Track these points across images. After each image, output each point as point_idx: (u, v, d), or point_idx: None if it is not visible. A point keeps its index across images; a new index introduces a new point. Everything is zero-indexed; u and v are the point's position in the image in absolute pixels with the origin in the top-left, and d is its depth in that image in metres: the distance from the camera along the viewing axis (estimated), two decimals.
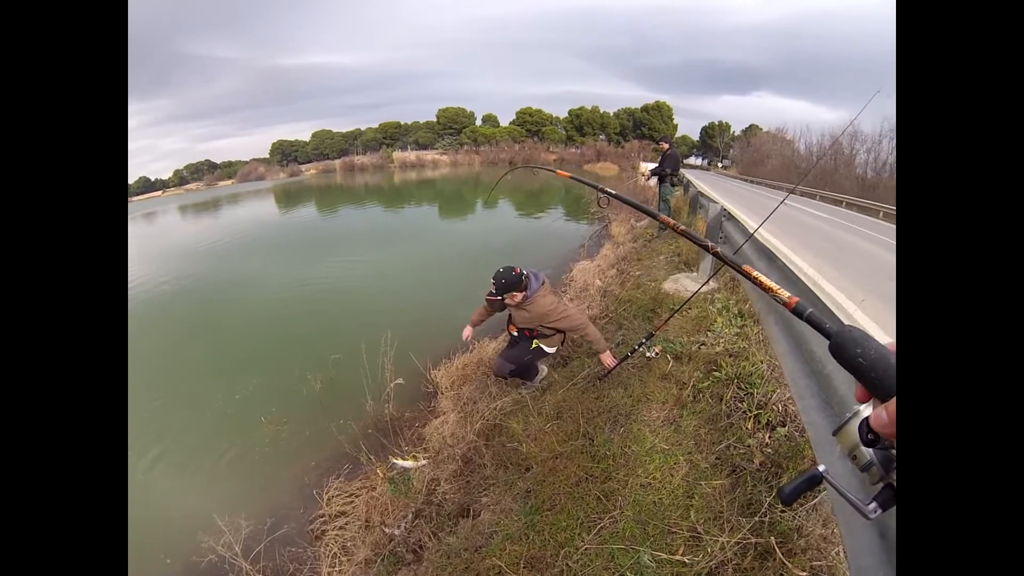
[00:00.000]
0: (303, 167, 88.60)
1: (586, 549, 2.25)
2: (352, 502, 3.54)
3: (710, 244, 1.43)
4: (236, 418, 4.95)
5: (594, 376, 3.75)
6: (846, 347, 0.71)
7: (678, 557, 2.10)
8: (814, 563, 1.89)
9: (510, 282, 3.50)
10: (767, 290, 1.09)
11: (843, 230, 11.59)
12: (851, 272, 6.34)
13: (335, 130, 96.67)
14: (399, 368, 4.68)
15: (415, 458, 3.73)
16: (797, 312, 0.95)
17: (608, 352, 3.63)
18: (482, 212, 22.49)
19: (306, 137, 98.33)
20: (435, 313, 7.48)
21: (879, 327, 4.16)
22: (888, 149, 29.15)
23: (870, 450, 0.69)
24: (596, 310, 5.49)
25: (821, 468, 0.82)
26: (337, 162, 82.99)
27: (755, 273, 1.14)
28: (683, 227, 1.61)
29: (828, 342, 0.76)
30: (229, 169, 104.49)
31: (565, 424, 3.23)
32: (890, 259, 7.91)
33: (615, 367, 3.55)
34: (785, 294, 1.04)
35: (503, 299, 3.59)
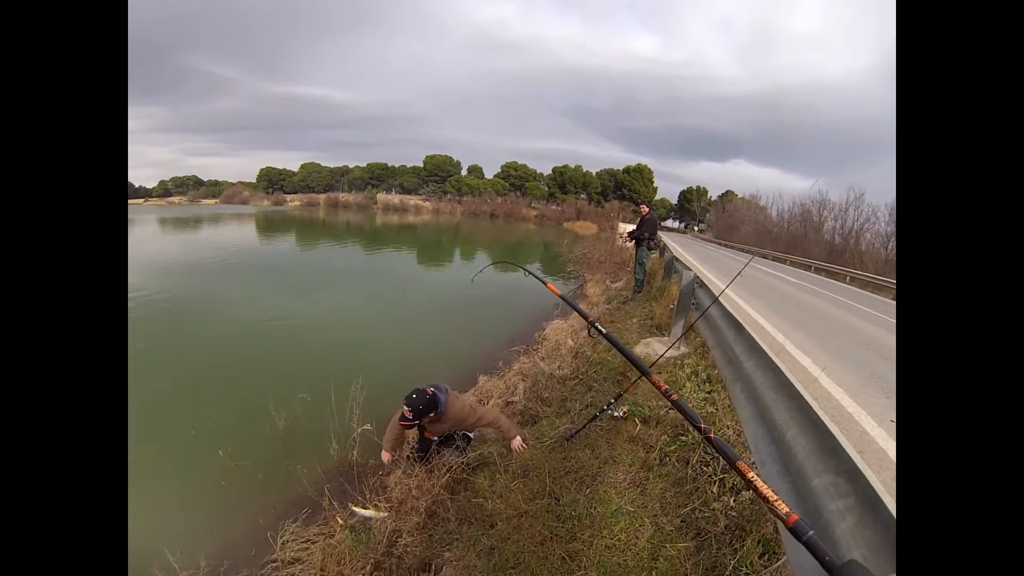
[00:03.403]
0: (288, 197, 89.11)
1: None
2: (308, 548, 3.41)
3: (702, 426, 1.44)
4: (192, 448, 4.79)
5: (562, 436, 3.79)
6: None
7: None
8: None
9: (427, 405, 3.64)
10: (765, 500, 1.06)
11: (811, 295, 11.99)
12: (817, 337, 6.53)
13: (323, 164, 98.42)
14: (367, 414, 4.63)
15: (377, 508, 3.68)
16: (796, 532, 0.90)
17: (519, 438, 3.83)
18: (459, 263, 22.76)
19: (295, 167, 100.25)
20: (408, 362, 7.44)
21: (843, 391, 4.29)
22: (854, 216, 30.42)
23: None
24: (567, 370, 5.53)
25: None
26: (322, 196, 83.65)
27: (751, 474, 1.11)
28: (675, 396, 1.62)
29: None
30: (215, 188, 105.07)
31: (531, 483, 3.24)
32: (853, 322, 8.24)
33: (581, 429, 3.63)
34: (784, 508, 0.98)
35: (420, 421, 3.73)
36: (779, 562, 2.18)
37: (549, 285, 3.55)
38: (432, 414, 3.68)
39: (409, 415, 3.63)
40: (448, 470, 3.66)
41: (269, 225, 38.52)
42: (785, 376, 2.26)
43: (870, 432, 3.52)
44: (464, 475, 3.67)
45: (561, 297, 3.49)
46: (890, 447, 3.31)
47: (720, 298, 3.95)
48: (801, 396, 2.02)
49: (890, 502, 1.26)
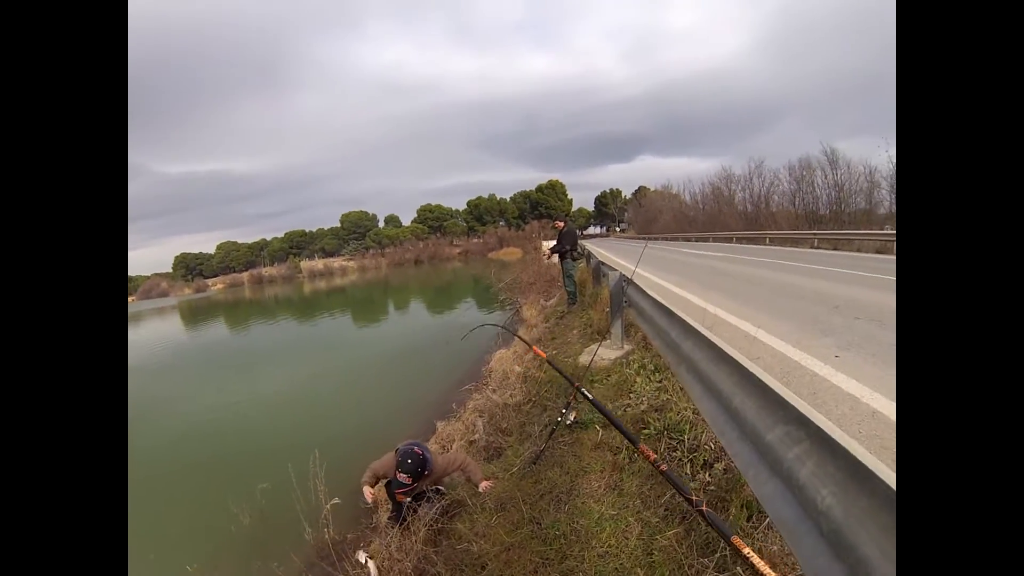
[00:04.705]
0: (209, 281, 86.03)
1: None
2: None
3: (694, 499, 1.50)
4: (155, 573, 4.45)
5: (528, 461, 3.78)
6: None
7: None
8: None
9: (422, 465, 3.59)
10: None
11: (738, 264, 12.57)
12: (750, 300, 6.82)
13: (240, 241, 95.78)
14: (333, 487, 4.44)
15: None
16: None
17: (483, 481, 3.77)
18: (394, 316, 22.62)
19: (211, 249, 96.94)
20: (361, 422, 7.26)
21: (785, 342, 4.48)
22: (759, 183, 32.33)
23: None
24: (520, 396, 5.52)
25: None
26: (245, 275, 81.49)
27: (747, 550, 1.15)
28: (664, 467, 1.67)
29: None
30: (129, 285, 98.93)
31: (510, 514, 3.19)
32: (779, 278, 8.70)
33: (543, 449, 3.68)
34: None
35: (418, 485, 3.67)
36: (766, 521, 2.23)
37: (535, 348, 3.77)
38: (426, 472, 3.61)
39: (408, 480, 3.53)
40: (424, 524, 3.55)
41: (195, 314, 36.97)
42: (720, 348, 2.34)
43: (819, 372, 3.68)
44: (442, 524, 3.57)
45: (548, 361, 3.73)
46: (840, 380, 3.47)
47: (649, 287, 4.06)
48: (736, 361, 2.09)
49: (840, 435, 1.32)
